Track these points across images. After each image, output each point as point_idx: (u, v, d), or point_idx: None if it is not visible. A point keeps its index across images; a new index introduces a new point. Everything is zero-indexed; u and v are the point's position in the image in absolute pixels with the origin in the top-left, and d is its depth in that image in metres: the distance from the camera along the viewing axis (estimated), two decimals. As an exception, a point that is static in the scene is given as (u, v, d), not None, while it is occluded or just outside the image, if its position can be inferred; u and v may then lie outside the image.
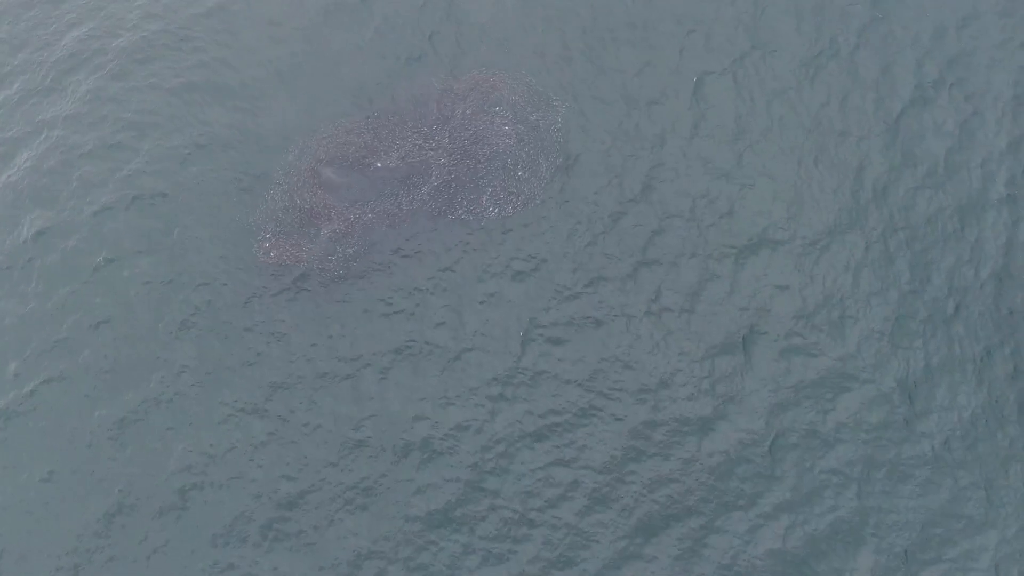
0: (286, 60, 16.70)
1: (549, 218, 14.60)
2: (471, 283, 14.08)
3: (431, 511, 12.35)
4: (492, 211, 14.67)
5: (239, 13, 17.46)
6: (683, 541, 12.04)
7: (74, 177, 15.43)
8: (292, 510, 12.46)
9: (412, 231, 14.58)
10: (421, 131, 15.47)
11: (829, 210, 14.32)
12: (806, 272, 13.82)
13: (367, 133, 15.57)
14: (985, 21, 16.09)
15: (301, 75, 16.50)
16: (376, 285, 14.18)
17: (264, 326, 13.85)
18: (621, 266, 14.06)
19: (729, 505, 12.19)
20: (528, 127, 15.45)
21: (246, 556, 12.22)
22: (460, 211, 14.70)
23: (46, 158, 15.70)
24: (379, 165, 15.16)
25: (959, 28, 15.92)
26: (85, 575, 12.14)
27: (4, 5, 18.21)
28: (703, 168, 14.85)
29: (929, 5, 16.22)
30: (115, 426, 13.10)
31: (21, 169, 15.62)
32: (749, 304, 13.60)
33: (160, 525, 12.41)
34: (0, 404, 13.34)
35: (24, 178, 15.51)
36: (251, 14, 17.42)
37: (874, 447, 12.53)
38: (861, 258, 13.95)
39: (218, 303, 14.07)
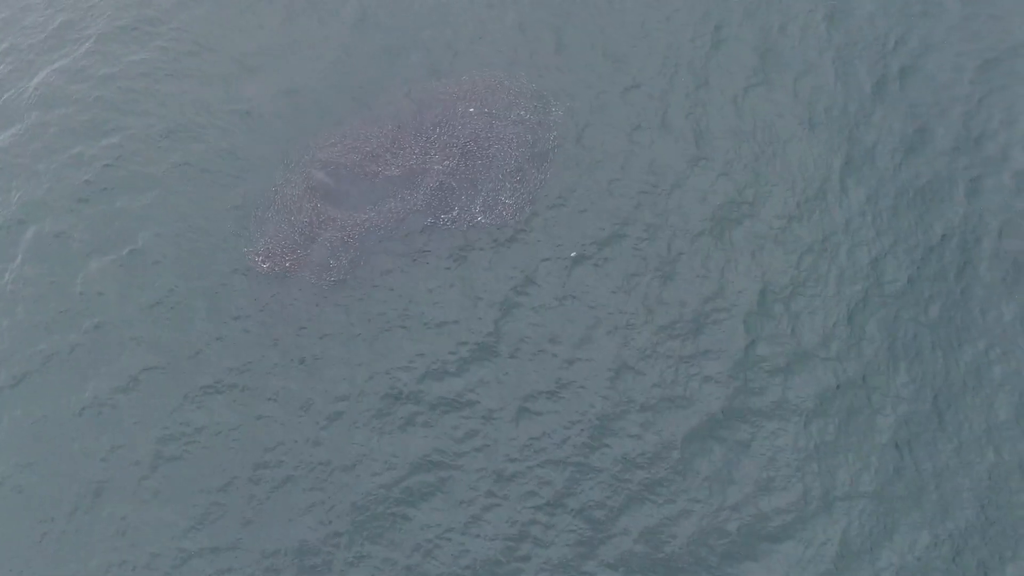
0: (280, 65, 16.32)
1: (545, 224, 14.39)
2: (466, 291, 13.85)
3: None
4: (489, 217, 14.44)
5: (225, 17, 17.07)
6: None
7: (55, 166, 15.18)
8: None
9: (408, 238, 14.33)
10: (418, 136, 15.19)
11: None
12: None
13: (363, 138, 15.27)
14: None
15: (296, 80, 16.13)
16: (371, 294, 13.89)
17: (256, 335, 13.57)
18: (614, 276, 13.86)
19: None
20: (525, 129, 15.24)
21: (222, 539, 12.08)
22: (457, 217, 14.45)
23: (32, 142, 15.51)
24: (376, 170, 14.85)
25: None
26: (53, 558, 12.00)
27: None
28: (701, 169, 14.74)
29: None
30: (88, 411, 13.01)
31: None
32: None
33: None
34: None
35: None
36: (241, 20, 17.04)
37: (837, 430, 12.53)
38: (818, 245, 14.00)
39: (205, 308, 13.80)
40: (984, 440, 12.34)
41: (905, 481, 12.13)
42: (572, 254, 13.86)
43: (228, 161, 15.17)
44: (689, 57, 15.87)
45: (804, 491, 12.10)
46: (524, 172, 14.80)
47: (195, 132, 15.52)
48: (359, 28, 16.75)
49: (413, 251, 14.21)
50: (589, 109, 15.45)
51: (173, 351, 13.40)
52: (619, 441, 12.53)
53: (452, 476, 12.37)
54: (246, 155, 15.25)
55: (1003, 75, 15.30)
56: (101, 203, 14.82)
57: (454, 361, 13.21)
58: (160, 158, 15.24)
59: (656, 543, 11.83)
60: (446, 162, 14.86)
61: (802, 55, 15.80)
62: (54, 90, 16.11)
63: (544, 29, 16.47)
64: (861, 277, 13.66)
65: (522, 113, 15.39)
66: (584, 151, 15.02)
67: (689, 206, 14.41)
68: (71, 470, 12.61)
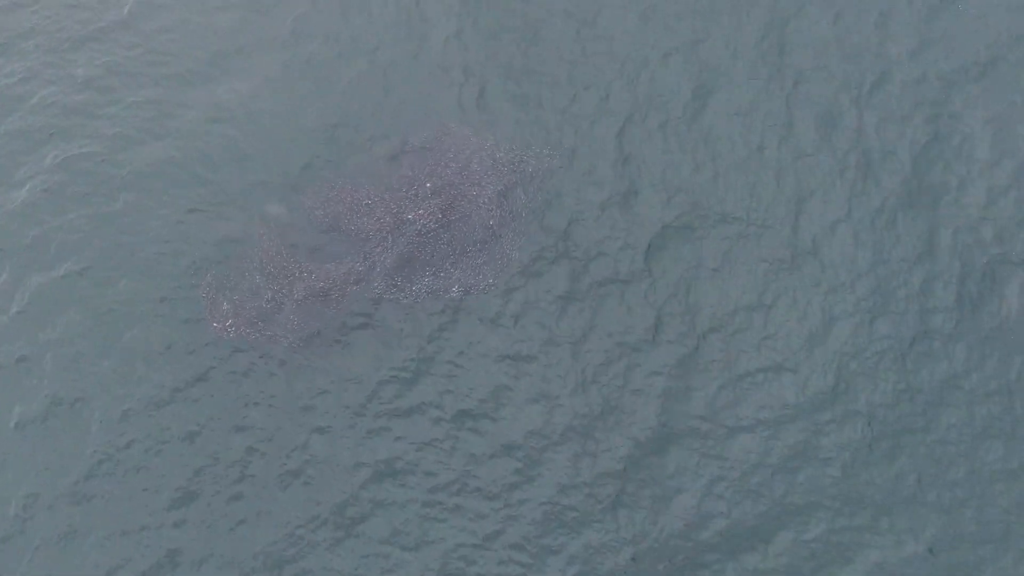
0: (247, 118, 15.41)
1: (526, 288, 13.49)
2: (436, 365, 13.01)
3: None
4: (464, 285, 13.48)
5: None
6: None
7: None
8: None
9: (374, 305, 13.38)
10: (391, 193, 14.22)
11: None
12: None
13: (335, 194, 14.31)
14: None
15: (260, 136, 15.22)
16: (332, 365, 13.02)
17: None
18: (606, 341, 13.08)
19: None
20: (504, 182, 14.33)
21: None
22: (427, 282, 13.49)
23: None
24: (349, 228, 13.91)
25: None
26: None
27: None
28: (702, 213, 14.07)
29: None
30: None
31: None
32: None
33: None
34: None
35: None
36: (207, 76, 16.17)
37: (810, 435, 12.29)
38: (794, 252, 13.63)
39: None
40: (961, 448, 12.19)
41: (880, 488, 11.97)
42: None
43: (180, 204, 14.41)
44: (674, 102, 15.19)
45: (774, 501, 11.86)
46: (499, 236, 13.89)
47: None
48: (331, 81, 15.86)
49: (378, 323, 13.24)
50: (573, 157, 14.64)
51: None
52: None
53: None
54: (209, 214, 14.38)
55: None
56: (46, 219, 14.30)
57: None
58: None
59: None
60: (416, 223, 13.90)
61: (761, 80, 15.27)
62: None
63: (519, 74, 15.64)
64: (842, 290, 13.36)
65: (501, 164, 14.49)
66: (569, 207, 14.19)
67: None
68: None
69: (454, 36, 16.13)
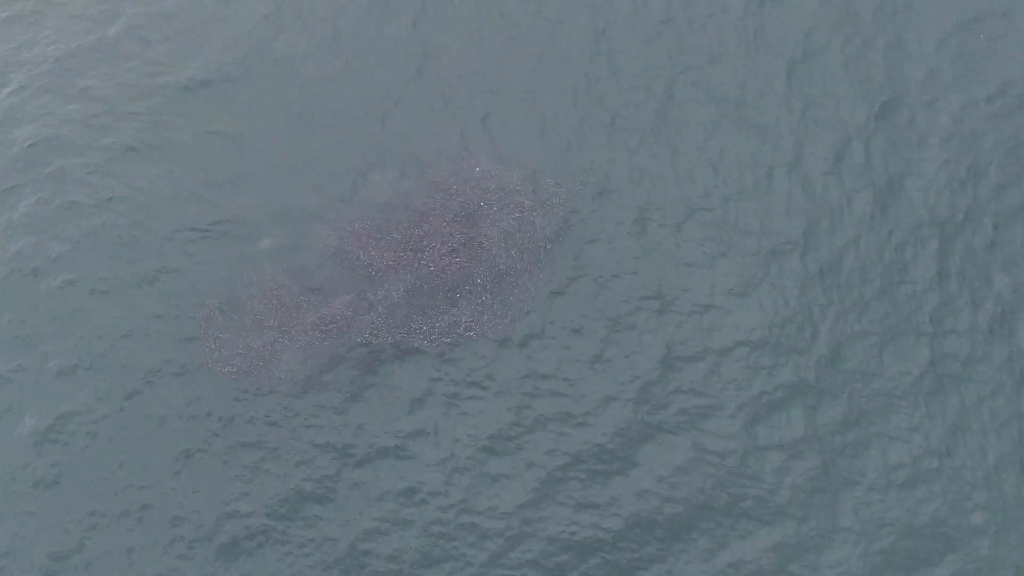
0: (250, 139, 15.00)
1: (544, 332, 12.96)
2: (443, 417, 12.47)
3: None
4: (477, 318, 12.90)
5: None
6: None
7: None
8: None
9: (378, 349, 12.80)
10: (399, 223, 13.61)
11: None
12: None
13: (342, 223, 13.75)
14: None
15: (278, 165, 14.72)
16: (332, 398, 12.54)
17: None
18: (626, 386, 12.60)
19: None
20: (520, 217, 13.71)
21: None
22: (435, 316, 12.90)
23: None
24: (356, 259, 13.31)
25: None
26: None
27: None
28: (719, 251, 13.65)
29: None
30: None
31: None
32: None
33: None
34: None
35: None
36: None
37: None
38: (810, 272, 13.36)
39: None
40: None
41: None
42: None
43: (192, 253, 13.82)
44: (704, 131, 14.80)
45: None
46: (513, 269, 13.30)
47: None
48: (342, 120, 15.25)
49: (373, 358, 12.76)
50: (593, 193, 14.13)
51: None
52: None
53: None
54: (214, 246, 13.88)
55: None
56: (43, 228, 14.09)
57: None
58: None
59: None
60: (431, 261, 13.26)
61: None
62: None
63: (541, 104, 15.12)
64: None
65: (518, 198, 13.86)
66: (575, 238, 13.75)
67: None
68: None
69: (461, 60, 15.69)
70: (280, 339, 12.84)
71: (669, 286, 13.30)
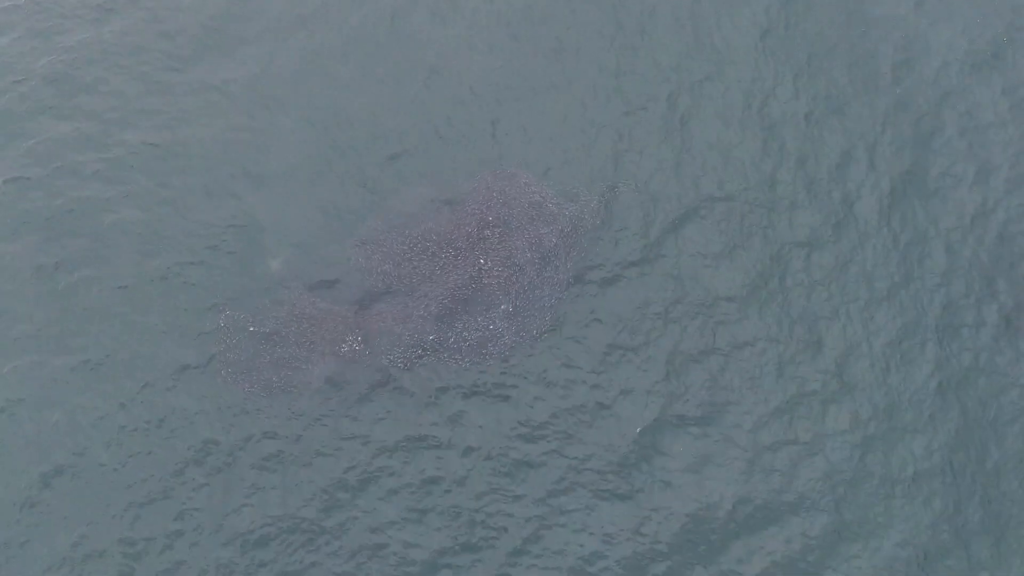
0: (287, 153, 14.73)
1: (574, 335, 12.98)
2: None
3: None
4: (503, 336, 12.74)
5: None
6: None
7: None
8: None
9: (400, 360, 12.69)
10: (429, 243, 13.35)
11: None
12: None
13: (369, 236, 13.50)
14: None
15: (300, 182, 14.46)
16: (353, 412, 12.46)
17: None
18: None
19: None
20: (546, 228, 13.60)
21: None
22: (462, 333, 12.73)
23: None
24: (380, 273, 13.12)
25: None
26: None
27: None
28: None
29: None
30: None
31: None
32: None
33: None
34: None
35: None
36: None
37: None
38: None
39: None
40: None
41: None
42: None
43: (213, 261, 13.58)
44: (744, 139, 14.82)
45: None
46: (545, 282, 13.16)
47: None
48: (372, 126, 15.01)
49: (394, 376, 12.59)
50: (609, 204, 14.11)
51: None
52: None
53: None
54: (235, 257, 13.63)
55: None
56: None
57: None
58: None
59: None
60: (457, 272, 13.05)
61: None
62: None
63: (570, 113, 15.04)
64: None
65: (547, 210, 13.70)
66: (603, 252, 13.71)
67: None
68: None
69: (491, 73, 15.48)
70: (299, 351, 12.69)
71: (697, 290, 13.47)
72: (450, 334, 12.73)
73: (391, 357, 12.63)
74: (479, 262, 13.18)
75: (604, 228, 13.90)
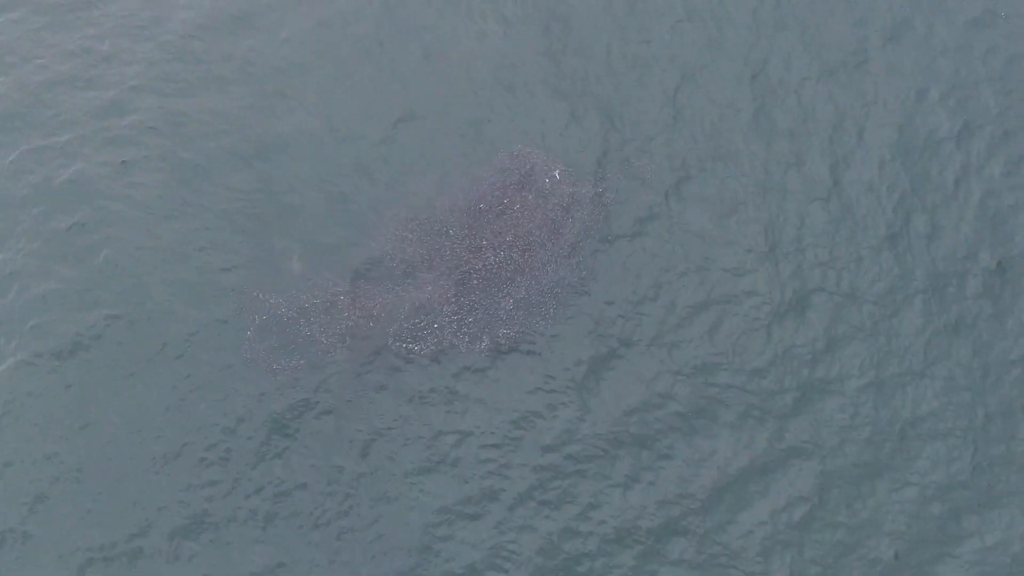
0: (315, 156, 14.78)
1: (581, 336, 12.97)
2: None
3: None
4: (524, 325, 12.86)
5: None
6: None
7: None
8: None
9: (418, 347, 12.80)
10: (447, 225, 13.57)
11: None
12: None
13: (387, 220, 13.69)
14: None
15: (310, 150, 14.63)
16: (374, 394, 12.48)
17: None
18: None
19: None
20: (564, 209, 13.81)
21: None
22: (472, 321, 12.86)
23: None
24: (397, 258, 13.28)
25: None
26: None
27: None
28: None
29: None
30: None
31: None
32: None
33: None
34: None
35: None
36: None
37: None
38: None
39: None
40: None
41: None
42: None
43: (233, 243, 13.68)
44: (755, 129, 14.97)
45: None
46: (562, 265, 13.35)
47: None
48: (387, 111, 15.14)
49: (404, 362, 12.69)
50: (632, 188, 14.26)
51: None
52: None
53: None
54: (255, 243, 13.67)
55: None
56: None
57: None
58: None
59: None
60: (476, 259, 13.26)
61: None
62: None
63: (587, 94, 15.26)
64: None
65: (566, 192, 13.90)
66: (624, 240, 13.81)
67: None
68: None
69: (512, 57, 15.69)
70: (316, 331, 12.80)
71: (714, 279, 13.62)
72: (469, 316, 12.91)
73: (407, 341, 12.78)
74: (495, 243, 13.40)
75: (619, 204, 14.13)
